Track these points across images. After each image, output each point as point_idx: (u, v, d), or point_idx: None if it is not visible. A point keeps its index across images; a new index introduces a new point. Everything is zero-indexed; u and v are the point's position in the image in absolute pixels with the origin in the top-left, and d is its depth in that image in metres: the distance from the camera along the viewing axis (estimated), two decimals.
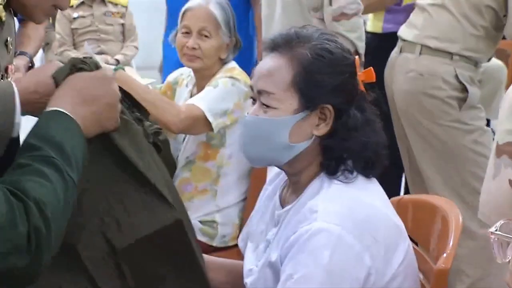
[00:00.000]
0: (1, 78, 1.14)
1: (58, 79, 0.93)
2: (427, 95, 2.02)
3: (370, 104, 1.04)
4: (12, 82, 0.97)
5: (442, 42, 2.00)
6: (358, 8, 2.08)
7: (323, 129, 0.99)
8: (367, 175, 1.01)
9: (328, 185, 0.98)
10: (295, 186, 1.05)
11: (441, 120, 2.03)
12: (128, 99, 1.05)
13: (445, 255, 1.00)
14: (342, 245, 0.91)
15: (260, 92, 1.01)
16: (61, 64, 0.98)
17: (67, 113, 0.84)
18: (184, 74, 1.97)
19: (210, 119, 1.72)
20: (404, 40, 2.07)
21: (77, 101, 0.87)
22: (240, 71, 1.87)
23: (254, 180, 1.94)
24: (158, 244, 1.02)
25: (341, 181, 0.98)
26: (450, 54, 1.98)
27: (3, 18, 1.09)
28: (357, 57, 1.07)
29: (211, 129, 1.75)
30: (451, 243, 1.02)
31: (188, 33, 1.83)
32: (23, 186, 0.73)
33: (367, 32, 2.49)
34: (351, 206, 0.95)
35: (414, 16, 2.10)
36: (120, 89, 1.00)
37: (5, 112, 0.91)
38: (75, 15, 3.60)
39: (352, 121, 0.99)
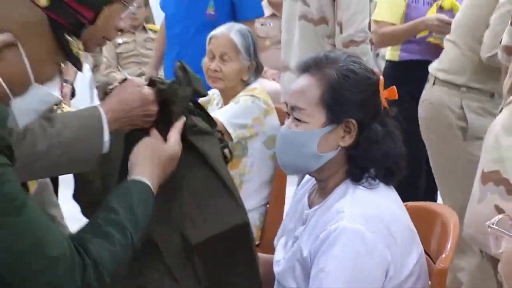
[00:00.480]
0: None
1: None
2: (435, 123, 2.17)
3: (392, 119, 1.14)
4: (98, 105, 1.12)
5: (450, 74, 2.12)
6: (365, 36, 2.22)
7: (348, 141, 1.09)
8: (387, 182, 1.11)
9: (353, 190, 1.08)
10: (323, 191, 1.15)
11: (448, 149, 2.15)
12: (203, 113, 1.23)
13: (444, 255, 1.06)
14: (366, 243, 1.00)
15: (293, 108, 1.12)
16: (142, 81, 1.18)
17: (149, 185, 0.97)
18: (215, 94, 2.17)
19: (230, 130, 1.92)
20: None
21: (156, 170, 1.02)
22: (261, 90, 2.09)
23: (276, 186, 2.13)
24: (229, 241, 1.16)
25: (366, 187, 1.08)
26: (458, 86, 2.11)
27: None
28: (381, 77, 1.16)
29: (231, 139, 1.93)
30: (449, 245, 1.08)
31: (212, 57, 2.07)
32: (88, 246, 0.82)
33: (386, 60, 2.76)
34: (373, 210, 1.06)
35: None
36: (197, 104, 1.21)
37: (95, 133, 1.06)
38: (119, 41, 3.96)
39: (374, 134, 1.09)
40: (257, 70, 2.13)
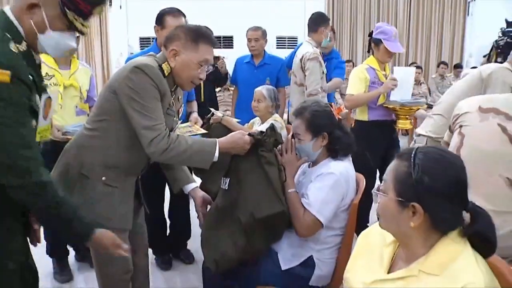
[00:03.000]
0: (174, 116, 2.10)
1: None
2: None
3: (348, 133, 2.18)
4: (217, 140, 1.97)
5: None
6: (317, 90, 3.68)
7: (324, 142, 2.11)
8: (346, 156, 2.15)
9: (334, 161, 2.10)
10: (314, 164, 2.20)
11: None
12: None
13: None
14: (338, 179, 2.01)
15: (294, 134, 2.14)
16: (246, 135, 2.03)
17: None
18: (257, 119, 3.64)
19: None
20: None
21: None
22: (278, 117, 3.51)
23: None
24: (271, 220, 1.95)
25: (338, 160, 2.12)
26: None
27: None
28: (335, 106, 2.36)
29: None
30: None
31: (255, 100, 3.49)
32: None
33: (356, 120, 3.77)
34: (341, 167, 2.07)
35: None
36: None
37: (210, 152, 1.93)
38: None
39: (337, 135, 2.11)
40: (277, 107, 3.55)
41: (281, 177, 2.03)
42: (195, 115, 3.13)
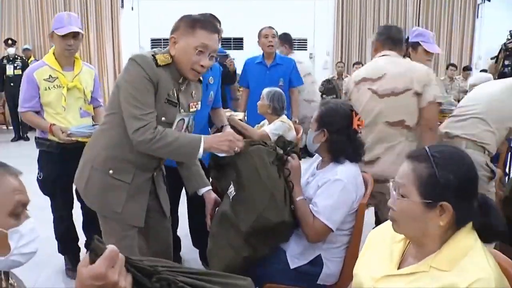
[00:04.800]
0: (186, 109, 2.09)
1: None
2: None
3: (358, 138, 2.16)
4: (201, 137, 1.94)
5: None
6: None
7: (323, 138, 2.12)
8: (352, 161, 2.13)
9: (340, 165, 2.09)
10: (323, 163, 2.20)
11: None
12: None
13: None
14: (345, 185, 2.01)
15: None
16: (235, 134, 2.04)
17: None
18: (266, 120, 3.63)
19: (271, 136, 3.20)
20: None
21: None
22: (286, 119, 3.51)
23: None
24: (274, 228, 1.96)
25: (343, 164, 2.11)
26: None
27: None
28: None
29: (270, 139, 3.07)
30: None
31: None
32: None
33: None
34: (347, 172, 2.07)
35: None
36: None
37: (195, 147, 1.91)
38: None
39: (336, 140, 2.09)
40: (278, 110, 3.49)
41: (288, 186, 2.05)
42: (229, 129, 2.95)
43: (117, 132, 1.98)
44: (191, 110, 2.13)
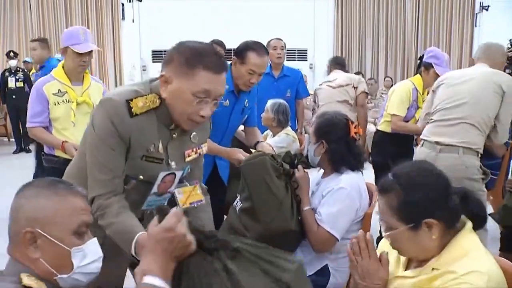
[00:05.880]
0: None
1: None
2: (468, 179, 2.73)
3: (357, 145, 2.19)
4: (141, 235, 1.39)
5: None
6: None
7: (323, 150, 2.16)
8: (353, 170, 2.16)
9: (343, 174, 2.13)
10: (325, 174, 2.23)
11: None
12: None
13: None
14: (349, 193, 2.05)
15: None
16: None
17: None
18: (269, 132, 3.69)
19: (275, 149, 3.02)
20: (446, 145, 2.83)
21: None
22: (290, 131, 3.59)
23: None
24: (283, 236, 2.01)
25: (345, 173, 2.13)
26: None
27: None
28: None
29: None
30: None
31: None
32: None
33: (378, 130, 3.95)
34: (349, 181, 2.09)
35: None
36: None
37: (128, 242, 1.42)
38: None
39: (335, 150, 2.12)
40: (281, 122, 3.57)
41: (295, 198, 2.09)
42: (264, 144, 2.76)
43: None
44: (187, 159, 1.66)
